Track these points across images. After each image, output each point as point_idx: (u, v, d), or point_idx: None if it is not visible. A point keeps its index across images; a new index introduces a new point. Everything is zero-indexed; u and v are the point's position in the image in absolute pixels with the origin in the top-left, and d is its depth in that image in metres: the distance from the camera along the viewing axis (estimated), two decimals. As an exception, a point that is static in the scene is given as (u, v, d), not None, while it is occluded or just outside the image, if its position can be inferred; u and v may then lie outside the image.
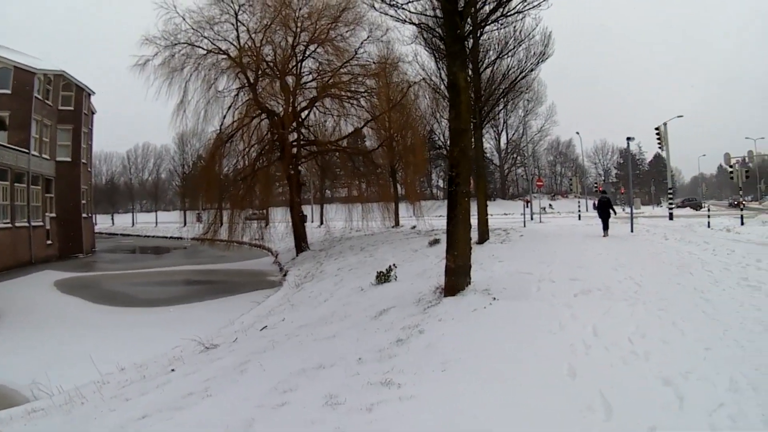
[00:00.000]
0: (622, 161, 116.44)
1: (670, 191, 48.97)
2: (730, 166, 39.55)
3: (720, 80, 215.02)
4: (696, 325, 9.29)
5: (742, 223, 31.39)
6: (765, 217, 35.04)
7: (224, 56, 32.80)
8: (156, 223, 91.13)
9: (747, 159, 46.90)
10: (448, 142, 14.61)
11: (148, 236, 74.94)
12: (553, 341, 8.68)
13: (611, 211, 28.40)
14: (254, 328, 15.79)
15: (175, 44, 31.90)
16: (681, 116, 49.55)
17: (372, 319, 12.30)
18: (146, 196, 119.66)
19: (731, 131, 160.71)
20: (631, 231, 28.41)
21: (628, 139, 32.22)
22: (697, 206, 65.27)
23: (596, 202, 33.60)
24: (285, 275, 28.41)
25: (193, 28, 32.10)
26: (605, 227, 27.54)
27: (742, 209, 35.60)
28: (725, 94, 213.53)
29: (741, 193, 40.20)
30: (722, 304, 10.73)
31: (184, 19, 31.81)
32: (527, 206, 47.53)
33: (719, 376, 6.88)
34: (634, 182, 75.14)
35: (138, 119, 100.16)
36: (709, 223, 32.53)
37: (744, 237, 24.08)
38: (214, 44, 32.64)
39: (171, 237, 67.86)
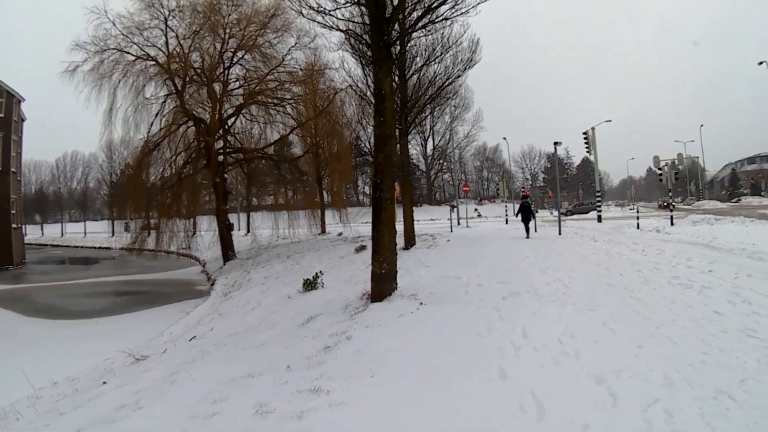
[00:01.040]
0: (549, 165, 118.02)
1: (598, 194, 49.87)
2: (659, 169, 40.27)
3: (649, 85, 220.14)
4: (627, 323, 9.43)
5: (672, 224, 31.96)
6: (695, 218, 35.65)
7: (153, 62, 32.32)
8: (85, 233, 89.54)
9: (677, 161, 47.87)
10: (374, 149, 14.61)
11: (78, 247, 73.44)
12: (481, 344, 8.74)
13: (532, 215, 29.84)
14: (183, 339, 15.58)
15: (105, 50, 31.38)
16: (609, 121, 51.04)
17: (300, 326, 12.29)
18: (75, 206, 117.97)
19: (661, 135, 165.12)
20: (559, 233, 28.83)
21: (556, 143, 32.34)
22: (588, 211, 61.75)
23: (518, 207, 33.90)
24: (213, 284, 28.10)
25: (123, 34, 31.59)
26: (527, 230, 28.95)
27: (671, 210, 36.14)
28: (655, 99, 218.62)
29: (670, 194, 40.89)
30: (653, 303, 10.92)
31: (114, 25, 31.31)
32: (452, 211, 47.94)
33: (653, 372, 6.98)
34: (562, 186, 76.19)
35: (67, 127, 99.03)
36: (638, 224, 33.10)
37: (674, 237, 24.46)
38: (143, 50, 32.17)
39: (100, 247, 66.37)
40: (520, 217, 30.01)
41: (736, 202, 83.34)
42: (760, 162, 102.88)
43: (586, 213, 53.97)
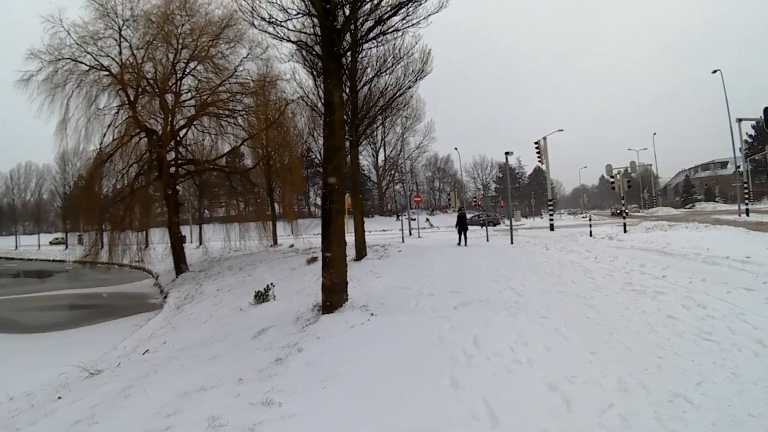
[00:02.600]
0: (501, 175, 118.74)
1: (550, 203, 49.94)
2: (612, 177, 40.57)
3: (603, 96, 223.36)
4: (580, 330, 9.45)
5: (625, 231, 32.25)
6: (649, 224, 35.86)
7: (106, 73, 31.94)
8: (39, 245, 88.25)
9: (630, 169, 48.28)
10: (323, 160, 14.58)
11: (32, 259, 72.70)
12: (433, 353, 8.68)
13: (467, 224, 31.34)
14: (137, 352, 15.43)
15: (59, 59, 31.00)
16: (562, 130, 51.16)
17: (252, 339, 12.22)
18: (29, 218, 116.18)
19: (614, 144, 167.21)
20: (511, 243, 28.78)
21: (507, 153, 32.29)
22: (489, 224, 59.35)
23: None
24: (165, 297, 27.93)
25: (77, 43, 31.25)
26: (463, 238, 30.38)
27: (624, 217, 36.66)
28: (609, 109, 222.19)
29: (623, 202, 41.05)
30: (607, 309, 10.99)
31: (69, 34, 30.98)
32: (398, 219, 47.98)
33: (606, 378, 7.00)
34: (514, 195, 76.45)
35: (22, 137, 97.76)
36: (591, 232, 33.37)
37: (627, 244, 24.71)
38: (97, 60, 31.77)
39: (54, 260, 65.48)
40: (456, 227, 31.37)
41: (690, 208, 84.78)
42: (714, 168, 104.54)
43: (481, 226, 54.09)
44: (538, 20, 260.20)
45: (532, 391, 6.82)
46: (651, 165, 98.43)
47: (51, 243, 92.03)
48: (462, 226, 30.99)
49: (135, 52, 32.33)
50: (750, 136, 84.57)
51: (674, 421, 5.79)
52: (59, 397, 10.47)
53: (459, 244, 30.03)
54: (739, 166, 48.54)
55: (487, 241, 31.09)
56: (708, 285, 12.47)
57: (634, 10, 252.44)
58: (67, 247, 58.00)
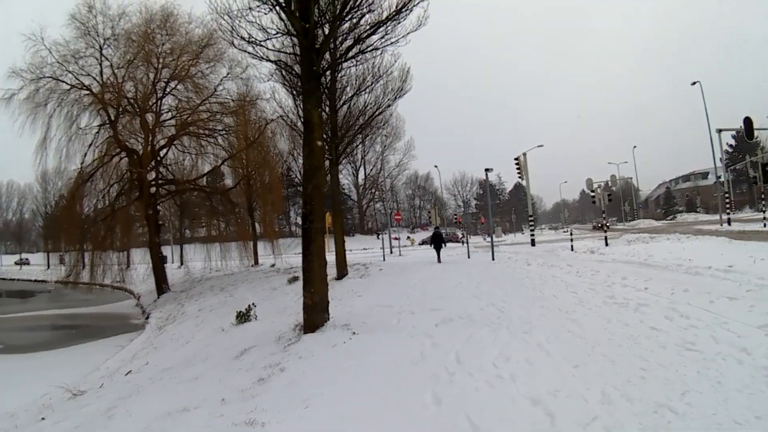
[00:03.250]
0: (482, 192, 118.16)
1: (531, 218, 49.86)
2: (592, 191, 40.76)
3: (582, 110, 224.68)
4: (563, 344, 9.46)
5: (607, 244, 32.32)
6: (630, 237, 35.94)
7: (87, 92, 31.90)
8: (20, 265, 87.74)
9: (610, 183, 48.56)
10: (303, 180, 14.61)
11: (13, 279, 72.24)
12: (415, 371, 8.67)
13: (443, 242, 33.51)
14: (119, 373, 15.43)
15: (41, 78, 30.94)
16: (541, 146, 51.43)
17: (234, 359, 12.19)
18: (11, 237, 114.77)
19: (594, 158, 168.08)
20: (492, 259, 28.74)
21: (487, 170, 32.64)
22: (448, 241, 57.26)
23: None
24: (147, 318, 28.03)
25: (58, 62, 31.20)
26: (438, 255, 31.35)
27: (605, 231, 36.82)
28: (588, 123, 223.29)
29: (604, 215, 41.17)
30: (589, 323, 11.00)
31: (50, 52, 30.96)
32: (378, 238, 48.03)
33: (590, 391, 7.00)
34: (494, 211, 76.54)
35: (3, 155, 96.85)
36: (572, 246, 33.50)
37: (609, 257, 24.70)
38: (78, 79, 31.71)
39: (36, 280, 64.89)
40: (431, 244, 33.03)
41: (671, 219, 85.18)
42: (695, 179, 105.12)
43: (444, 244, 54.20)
44: (515, 34, 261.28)
45: (515, 406, 6.82)
46: (631, 178, 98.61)
47: (15, 263, 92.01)
48: (437, 243, 32.53)
49: (116, 71, 32.36)
50: (730, 146, 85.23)
51: (659, 431, 5.78)
52: (42, 418, 10.50)
53: (438, 261, 30.17)
54: (719, 177, 48.89)
55: (468, 257, 31.17)
56: (691, 295, 12.52)
57: (611, 21, 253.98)
58: (48, 267, 57.66)
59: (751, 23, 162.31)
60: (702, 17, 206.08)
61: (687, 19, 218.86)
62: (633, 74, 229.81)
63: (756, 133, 35.91)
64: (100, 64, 32.04)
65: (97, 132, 32.67)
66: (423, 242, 41.60)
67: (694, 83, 45.24)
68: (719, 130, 42.63)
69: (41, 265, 71.73)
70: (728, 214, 43.09)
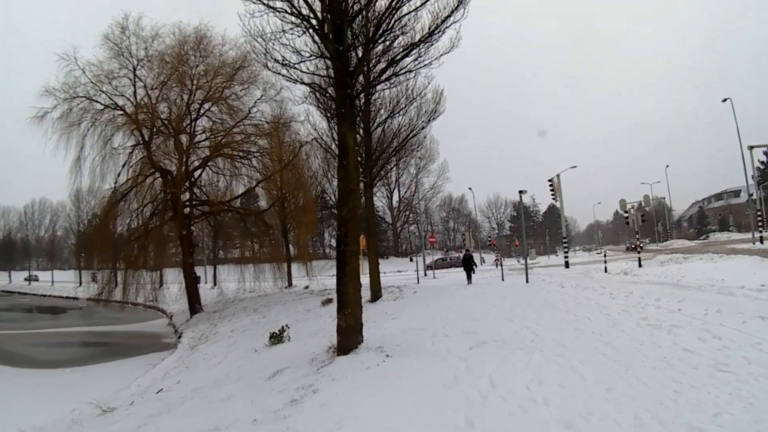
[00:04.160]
0: (515, 214, 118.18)
1: (565, 240, 50.25)
2: (626, 212, 40.53)
3: (616, 130, 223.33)
4: (595, 367, 9.42)
5: (640, 266, 32.12)
6: (663, 257, 35.81)
7: (121, 112, 32.14)
8: (52, 282, 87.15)
9: (643, 203, 48.22)
10: (338, 203, 14.60)
11: (45, 295, 72.08)
12: (448, 394, 8.60)
13: (473, 264, 32.91)
14: (150, 391, 15.46)
15: (74, 97, 31.22)
16: (575, 167, 50.90)
17: (266, 380, 12.17)
18: (43, 254, 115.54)
19: (628, 178, 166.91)
20: (527, 281, 28.28)
21: (521, 192, 32.57)
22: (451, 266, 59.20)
23: (461, 257, 36.13)
24: (180, 337, 28.09)
25: (92, 82, 31.46)
26: (468, 277, 31.76)
27: (639, 252, 36.47)
28: (622, 143, 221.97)
29: (638, 236, 40.90)
30: (622, 345, 10.95)
31: (83, 72, 31.25)
32: (411, 261, 47.71)
33: (622, 414, 6.98)
34: (528, 233, 75.83)
35: (36, 173, 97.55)
36: (606, 267, 33.32)
37: (642, 279, 24.59)
38: (112, 99, 31.99)
39: (67, 297, 64.18)
40: (462, 266, 33.80)
41: (704, 239, 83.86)
42: (727, 198, 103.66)
43: (449, 267, 53.18)
44: (547, 55, 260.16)
45: (548, 429, 6.82)
46: (664, 198, 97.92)
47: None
48: (468, 266, 32.46)
49: (149, 92, 32.56)
50: (762, 163, 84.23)
51: (691, 453, 5.75)
52: (70, 434, 10.46)
53: (469, 283, 30.78)
54: (751, 194, 48.40)
55: (503, 280, 30.84)
56: (723, 316, 12.51)
57: (644, 39, 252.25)
58: (80, 284, 57.79)
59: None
60: (731, 31, 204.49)
61: (716, 33, 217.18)
62: (666, 92, 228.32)
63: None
64: (134, 85, 32.36)
65: (131, 152, 32.82)
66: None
67: (724, 100, 44.82)
68: (750, 147, 42.34)
69: (72, 281, 72.03)
70: (761, 232, 42.60)
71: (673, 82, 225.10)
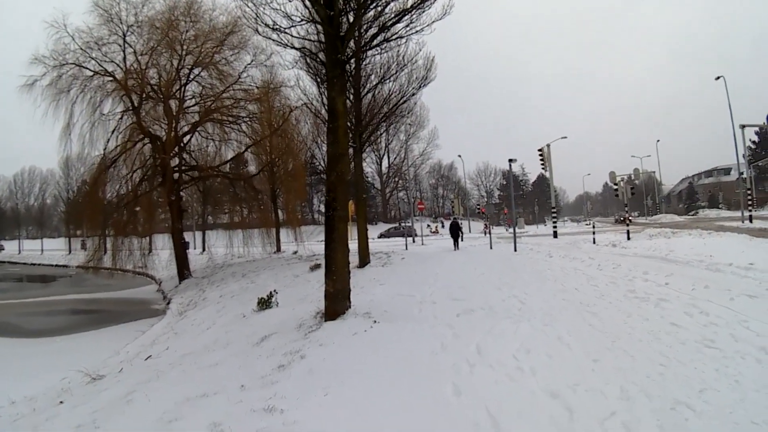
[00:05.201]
0: (505, 182, 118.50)
1: (553, 210, 50.61)
2: (615, 184, 40.59)
3: (608, 103, 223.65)
4: (583, 338, 9.49)
5: (629, 238, 32.18)
6: (652, 231, 36.17)
7: (110, 78, 31.85)
8: (42, 250, 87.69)
9: (633, 176, 48.27)
10: (327, 168, 14.55)
11: (35, 264, 72.60)
12: (435, 361, 8.67)
13: (460, 232, 35.40)
14: (139, 358, 15.49)
15: (64, 64, 30.94)
16: (565, 137, 51.31)
17: (254, 345, 12.17)
18: (32, 223, 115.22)
19: (618, 151, 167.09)
20: (515, 250, 28.47)
21: (510, 160, 32.74)
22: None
23: (443, 223, 36.55)
24: (168, 303, 28.24)
25: (81, 49, 31.20)
26: (456, 244, 33.72)
27: (628, 225, 36.55)
28: (613, 116, 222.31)
29: (626, 209, 40.89)
30: (609, 317, 11.02)
31: (73, 39, 30.94)
32: (400, 227, 47.97)
33: (609, 386, 7.02)
34: (517, 202, 75.82)
35: (26, 141, 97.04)
36: (594, 239, 33.48)
37: (630, 251, 24.64)
38: (101, 66, 31.77)
39: (57, 265, 64.89)
40: (450, 233, 35.93)
41: (693, 215, 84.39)
42: (718, 175, 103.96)
43: (401, 237, 53.43)
44: (542, 26, 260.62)
45: (535, 399, 6.84)
46: (654, 172, 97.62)
47: (81, 248, 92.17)
48: (455, 232, 34.72)
49: (139, 57, 32.34)
50: (753, 142, 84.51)
51: (677, 428, 5.83)
52: (61, 402, 10.47)
53: (456, 249, 32.12)
54: (742, 173, 48.48)
55: (491, 248, 30.89)
56: (711, 292, 12.50)
57: (639, 16, 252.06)
58: (70, 252, 57.61)
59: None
60: (732, 12, 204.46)
61: (717, 13, 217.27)
62: (660, 68, 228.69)
63: (780, 130, 35.62)
64: (124, 51, 32.12)
65: (121, 118, 32.65)
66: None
67: (717, 78, 44.86)
68: (742, 126, 42.35)
69: (62, 249, 71.73)
70: (750, 211, 42.75)
71: (670, 59, 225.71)
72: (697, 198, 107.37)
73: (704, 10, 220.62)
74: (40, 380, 13.90)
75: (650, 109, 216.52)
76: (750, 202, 44.56)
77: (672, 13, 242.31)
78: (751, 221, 40.10)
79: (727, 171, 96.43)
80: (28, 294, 39.49)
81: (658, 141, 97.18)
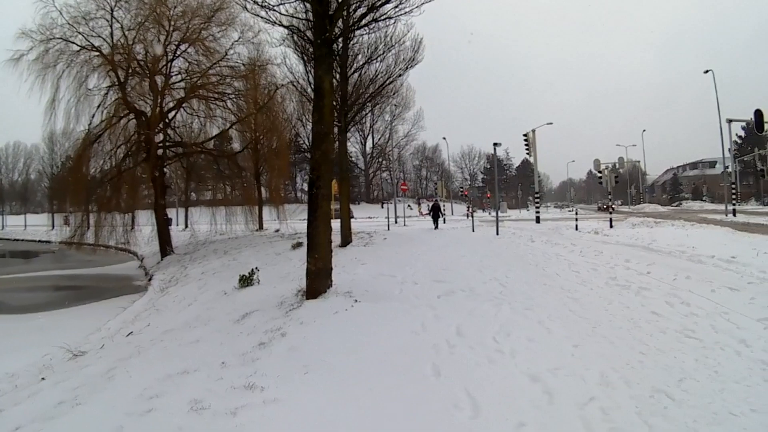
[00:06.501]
0: (489, 166, 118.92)
1: (537, 195, 50.79)
2: (600, 172, 40.69)
3: (594, 92, 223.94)
4: (563, 323, 9.54)
5: (611, 226, 32.31)
6: (635, 220, 36.31)
7: (97, 53, 31.65)
8: (25, 226, 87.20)
9: (618, 165, 48.44)
10: (311, 146, 14.54)
11: (18, 240, 72.39)
12: (416, 341, 8.73)
13: (440, 213, 39.29)
14: (121, 334, 15.41)
15: (51, 39, 30.63)
16: (551, 123, 52.33)
17: (235, 322, 12.17)
18: (16, 198, 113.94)
19: (603, 140, 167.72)
20: (497, 234, 28.37)
21: (495, 144, 32.07)
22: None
23: (429, 206, 39.41)
24: (150, 279, 27.75)
25: (69, 23, 30.85)
26: (435, 224, 36.92)
27: (611, 213, 36.47)
28: (599, 105, 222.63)
29: (610, 197, 40.97)
30: (590, 303, 11.08)
31: (60, 14, 30.58)
32: (382, 207, 48.50)
33: (589, 371, 7.05)
34: (501, 186, 75.93)
35: (10, 116, 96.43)
36: (577, 226, 33.65)
37: (613, 239, 24.81)
38: (88, 40, 31.45)
39: (40, 240, 64.60)
40: (430, 214, 39.36)
41: (677, 206, 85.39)
42: (702, 168, 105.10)
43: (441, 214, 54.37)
44: (530, 10, 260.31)
45: (515, 381, 6.87)
46: (639, 162, 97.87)
47: (64, 223, 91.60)
48: (435, 213, 38.21)
49: (126, 33, 31.98)
50: (740, 137, 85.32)
51: (655, 416, 5.83)
52: (43, 378, 10.46)
53: (435, 228, 35.43)
54: (727, 167, 48.72)
55: (473, 231, 30.97)
56: (692, 283, 12.60)
57: (629, 5, 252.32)
58: (53, 228, 57.40)
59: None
60: (721, 8, 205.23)
61: (706, 9, 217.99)
62: (648, 59, 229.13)
63: (766, 126, 35.68)
64: (111, 26, 31.70)
65: (106, 93, 32.32)
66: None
67: (706, 71, 45.01)
68: (729, 120, 42.52)
69: (45, 225, 71.34)
70: (734, 204, 42.99)
71: (661, 50, 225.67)
72: (681, 189, 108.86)
73: (699, 3, 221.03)
74: (22, 357, 13.78)
75: (638, 99, 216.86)
76: (734, 196, 44.79)
77: (664, 6, 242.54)
78: (734, 215, 40.34)
79: (712, 164, 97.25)
80: (10, 270, 39.31)
81: (644, 131, 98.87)
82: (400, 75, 26.99)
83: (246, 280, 17.51)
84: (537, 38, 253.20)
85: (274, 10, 14.46)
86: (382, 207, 52.19)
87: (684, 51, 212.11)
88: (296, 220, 39.87)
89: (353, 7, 17.08)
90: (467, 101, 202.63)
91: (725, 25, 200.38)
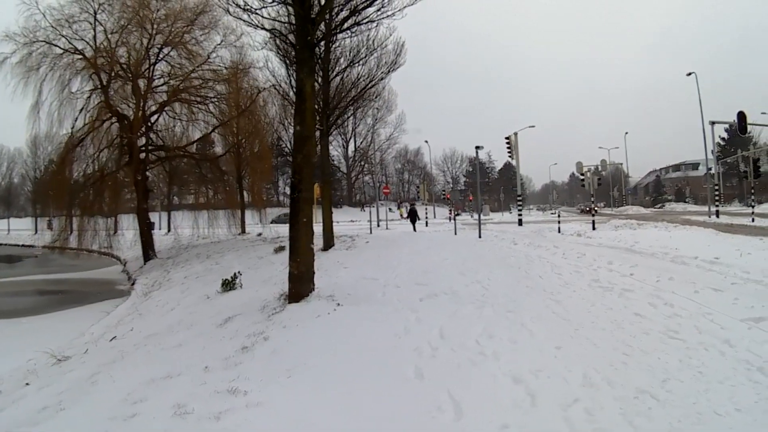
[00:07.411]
0: (471, 169, 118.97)
1: (519, 198, 50.79)
2: (582, 174, 40.84)
3: (577, 95, 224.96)
4: (546, 325, 9.51)
5: (594, 228, 32.36)
6: (618, 222, 36.47)
7: (80, 56, 31.55)
8: (9, 230, 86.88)
9: (600, 167, 48.65)
10: (293, 149, 14.62)
11: (1, 244, 71.64)
12: (398, 344, 8.72)
13: (417, 217, 40.69)
14: (104, 339, 15.34)
15: (34, 42, 30.63)
16: (533, 126, 52.55)
17: (218, 326, 12.18)
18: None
19: (586, 142, 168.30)
20: (479, 237, 28.52)
21: (477, 147, 32.40)
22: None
23: (407, 210, 41.10)
24: (133, 284, 27.70)
25: (52, 26, 30.84)
26: (414, 227, 38.54)
27: (593, 215, 36.80)
28: (582, 107, 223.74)
29: (593, 199, 41.40)
30: (573, 305, 11.04)
31: (44, 16, 30.56)
32: (363, 210, 48.88)
33: (572, 373, 7.04)
34: (483, 189, 76.02)
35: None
36: (559, 228, 33.61)
37: (595, 241, 24.84)
38: (71, 43, 31.43)
39: (23, 245, 64.03)
40: (408, 218, 40.87)
41: (660, 207, 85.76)
42: (685, 169, 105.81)
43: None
44: (515, 15, 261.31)
45: (497, 383, 6.86)
46: (622, 164, 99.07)
47: (47, 228, 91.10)
48: (413, 217, 39.86)
49: (109, 36, 32.00)
50: (723, 139, 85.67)
51: (639, 417, 5.81)
52: (27, 384, 10.39)
53: (414, 230, 37.09)
54: (710, 169, 48.99)
55: (455, 234, 31.03)
56: (676, 284, 12.60)
57: (611, 7, 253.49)
58: (36, 232, 57.22)
59: (760, 17, 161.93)
60: (704, 12, 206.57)
61: (690, 13, 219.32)
62: (631, 61, 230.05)
63: (749, 128, 35.89)
64: (94, 29, 31.72)
65: (89, 97, 32.26)
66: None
67: (689, 74, 45.23)
68: (712, 123, 42.71)
69: (28, 229, 71.10)
70: (717, 206, 43.27)
71: (645, 55, 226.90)
72: (664, 191, 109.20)
73: (686, 7, 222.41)
74: (6, 362, 13.68)
75: (621, 102, 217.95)
76: (717, 198, 45.08)
77: (644, 5, 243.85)
78: (717, 216, 40.50)
79: (695, 166, 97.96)
80: (-6, 274, 38.97)
81: (626, 133, 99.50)
82: (382, 78, 27.17)
83: (228, 284, 17.63)
84: (520, 42, 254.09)
85: (257, 14, 14.64)
86: (362, 210, 52.19)
87: (667, 55, 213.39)
88: (279, 224, 40.45)
89: (336, 10, 17.26)
90: (449, 104, 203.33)
91: (708, 30, 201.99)
